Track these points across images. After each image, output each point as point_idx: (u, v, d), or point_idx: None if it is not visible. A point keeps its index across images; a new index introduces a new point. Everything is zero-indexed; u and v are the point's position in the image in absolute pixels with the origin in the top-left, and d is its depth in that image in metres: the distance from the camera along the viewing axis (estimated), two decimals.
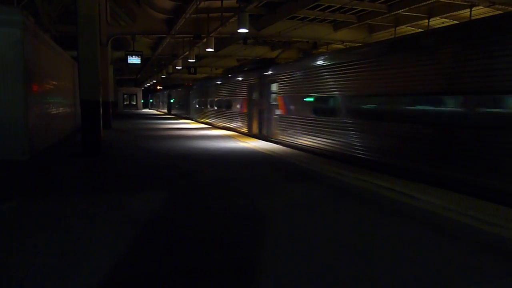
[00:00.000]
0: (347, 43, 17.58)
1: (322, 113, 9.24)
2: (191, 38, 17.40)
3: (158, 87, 48.44)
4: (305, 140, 9.90)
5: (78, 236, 3.46)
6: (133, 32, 16.79)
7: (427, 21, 13.94)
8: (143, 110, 47.95)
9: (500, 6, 11.22)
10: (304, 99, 9.94)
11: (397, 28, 15.48)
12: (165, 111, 39.04)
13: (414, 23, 14.85)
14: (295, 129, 10.49)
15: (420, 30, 14.84)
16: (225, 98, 17.61)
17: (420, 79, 6.25)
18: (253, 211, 4.39)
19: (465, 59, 5.56)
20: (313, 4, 12.90)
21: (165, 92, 41.46)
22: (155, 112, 43.33)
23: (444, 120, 5.86)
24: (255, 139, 12.49)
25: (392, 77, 6.91)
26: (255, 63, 16.01)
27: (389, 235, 3.59)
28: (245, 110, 14.71)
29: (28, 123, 7.45)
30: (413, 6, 12.33)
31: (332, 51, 16.78)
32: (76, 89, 13.14)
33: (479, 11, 12.14)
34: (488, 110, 5.23)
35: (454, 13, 12.84)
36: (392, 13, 13.51)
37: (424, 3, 11.97)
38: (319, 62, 9.52)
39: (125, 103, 50.98)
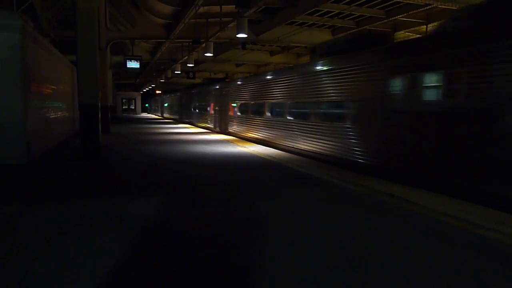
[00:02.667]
0: None
1: None
2: (190, 43, 17.46)
3: (157, 92, 48.53)
4: None
5: (75, 241, 3.45)
6: (132, 37, 16.85)
7: (425, 26, 14.03)
8: (141, 115, 47.97)
9: None
10: None
11: (395, 34, 15.56)
12: (175, 116, 32.73)
13: (412, 28, 14.95)
14: None
15: (418, 35, 14.92)
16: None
17: None
18: (252, 216, 4.38)
19: None
20: (312, 10, 12.97)
21: (172, 95, 34.55)
22: (155, 116, 43.33)
23: None
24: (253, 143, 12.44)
25: None
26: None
27: (388, 240, 3.58)
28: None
29: (26, 127, 7.44)
30: (411, 12, 12.41)
31: None
32: (75, 93, 13.14)
33: None
34: None
35: None
36: (390, 19, 13.59)
37: (422, 9, 12.06)
38: None
39: (124, 107, 51.06)
